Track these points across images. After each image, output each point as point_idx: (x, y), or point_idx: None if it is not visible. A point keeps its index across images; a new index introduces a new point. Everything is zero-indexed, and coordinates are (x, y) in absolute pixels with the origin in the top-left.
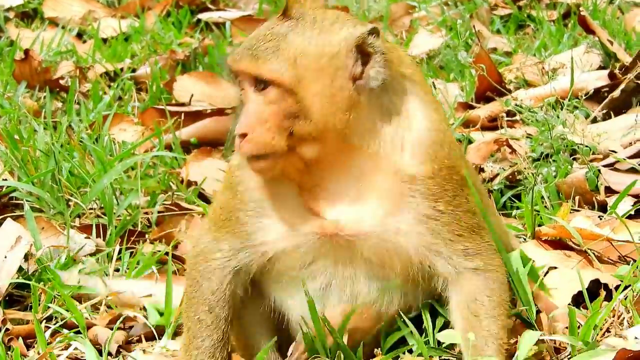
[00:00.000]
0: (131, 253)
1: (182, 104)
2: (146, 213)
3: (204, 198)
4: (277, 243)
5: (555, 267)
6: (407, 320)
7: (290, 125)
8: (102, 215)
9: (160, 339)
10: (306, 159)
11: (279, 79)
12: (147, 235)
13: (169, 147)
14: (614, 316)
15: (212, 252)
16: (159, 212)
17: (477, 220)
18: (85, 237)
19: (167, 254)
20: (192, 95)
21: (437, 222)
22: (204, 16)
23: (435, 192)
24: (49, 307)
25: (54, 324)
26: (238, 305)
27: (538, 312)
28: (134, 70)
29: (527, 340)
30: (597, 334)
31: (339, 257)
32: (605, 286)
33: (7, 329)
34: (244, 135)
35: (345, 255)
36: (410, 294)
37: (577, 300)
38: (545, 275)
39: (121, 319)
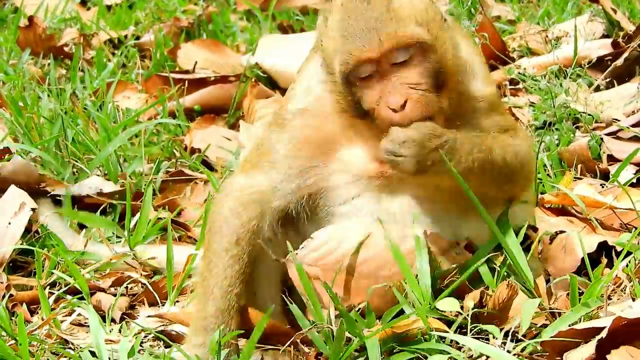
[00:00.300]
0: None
1: (186, 72)
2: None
3: (207, 165)
4: (329, 179)
5: (564, 231)
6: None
7: (436, 82)
8: (107, 182)
9: (163, 304)
10: (445, 112)
11: (422, 38)
12: (151, 202)
13: (172, 115)
14: (615, 284)
15: (245, 187)
16: (162, 179)
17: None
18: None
19: (171, 221)
20: (195, 63)
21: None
22: None
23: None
24: (52, 273)
25: (58, 290)
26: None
27: (548, 279)
28: (137, 38)
29: (528, 309)
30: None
31: (385, 192)
32: (608, 253)
33: (11, 295)
34: (403, 106)
35: (394, 191)
36: (448, 221)
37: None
38: (551, 242)
39: (125, 284)
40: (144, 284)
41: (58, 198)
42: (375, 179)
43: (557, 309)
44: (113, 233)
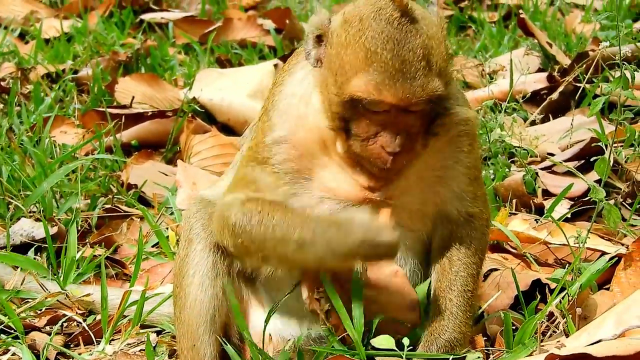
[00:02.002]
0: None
1: (124, 106)
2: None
3: (144, 201)
4: (310, 208)
5: (497, 269)
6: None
7: (432, 121)
8: (43, 219)
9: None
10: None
11: (441, 92)
12: (87, 239)
13: (110, 150)
14: (549, 320)
15: (234, 199)
16: (99, 215)
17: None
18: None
19: (107, 257)
20: (133, 98)
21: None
22: (146, 17)
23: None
24: None
25: None
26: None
27: (481, 315)
28: (76, 72)
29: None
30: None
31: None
32: (543, 289)
33: None
34: (398, 153)
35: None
36: (421, 255)
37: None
38: (485, 279)
39: (60, 322)
40: (80, 323)
41: None
42: (360, 203)
43: (492, 347)
44: (49, 271)
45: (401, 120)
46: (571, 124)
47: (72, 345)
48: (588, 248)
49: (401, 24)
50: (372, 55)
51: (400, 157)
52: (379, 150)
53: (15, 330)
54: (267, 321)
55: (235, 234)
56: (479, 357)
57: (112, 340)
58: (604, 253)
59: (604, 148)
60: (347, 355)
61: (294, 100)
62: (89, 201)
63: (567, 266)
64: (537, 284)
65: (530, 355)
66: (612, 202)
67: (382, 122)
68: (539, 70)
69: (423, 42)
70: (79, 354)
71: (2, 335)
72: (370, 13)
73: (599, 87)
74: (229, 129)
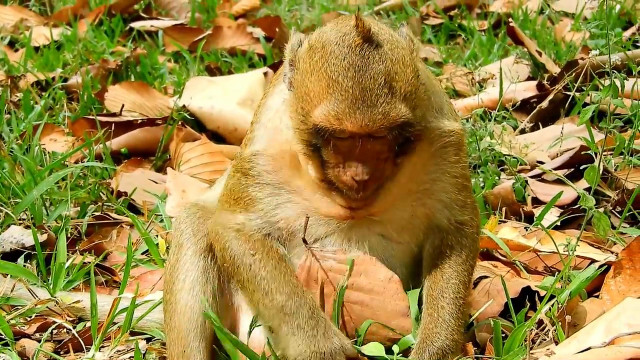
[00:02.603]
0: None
1: (113, 114)
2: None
3: (134, 209)
4: (294, 220)
5: (486, 277)
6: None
7: (402, 147)
8: (33, 226)
9: (88, 350)
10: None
11: (407, 118)
12: (77, 246)
13: (99, 158)
14: (539, 328)
15: (228, 221)
16: (88, 223)
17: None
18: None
19: (96, 265)
20: (122, 106)
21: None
22: (136, 25)
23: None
24: None
25: None
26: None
27: (471, 322)
28: (65, 80)
29: None
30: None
31: (354, 233)
32: (532, 297)
33: None
34: (367, 180)
35: (361, 232)
36: (409, 267)
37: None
38: (475, 286)
39: (50, 329)
40: (69, 330)
41: None
42: (343, 220)
43: (482, 355)
44: (39, 278)
45: (368, 148)
46: (561, 132)
47: (61, 352)
48: (578, 256)
49: (363, 50)
50: (333, 84)
51: (372, 182)
52: (348, 178)
53: (5, 337)
54: (251, 327)
55: (223, 257)
56: None
57: (102, 347)
58: (593, 261)
59: (594, 156)
60: None
61: (271, 114)
62: (78, 209)
63: (556, 274)
64: (527, 292)
65: None
66: (601, 210)
67: (349, 149)
68: (529, 78)
69: (386, 68)
70: None
71: None
72: (334, 39)
73: (588, 95)
74: (219, 137)
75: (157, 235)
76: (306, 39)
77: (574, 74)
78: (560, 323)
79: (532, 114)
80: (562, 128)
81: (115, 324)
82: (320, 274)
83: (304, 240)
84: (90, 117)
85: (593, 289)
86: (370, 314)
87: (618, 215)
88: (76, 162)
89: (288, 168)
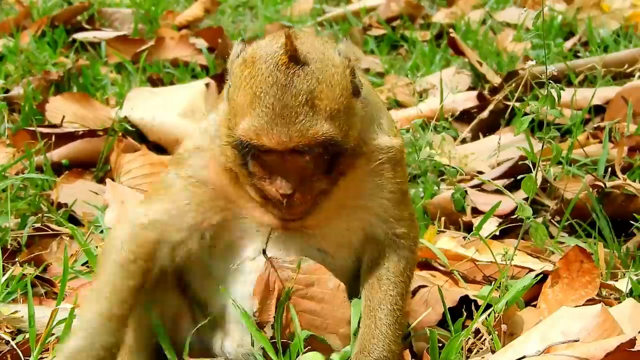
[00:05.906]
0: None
1: (54, 126)
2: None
3: (74, 220)
4: (232, 224)
5: (425, 286)
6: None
7: (332, 165)
8: None
9: None
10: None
11: (331, 136)
12: (17, 258)
13: (40, 169)
14: (475, 337)
15: (141, 214)
16: (29, 234)
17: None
18: None
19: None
20: (63, 117)
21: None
22: (79, 36)
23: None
24: None
25: None
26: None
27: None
28: (7, 91)
29: None
30: (459, 355)
31: (292, 245)
32: (470, 306)
33: None
34: (291, 194)
35: (299, 245)
36: (348, 279)
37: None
38: (413, 296)
39: None
40: (8, 342)
41: None
42: (280, 229)
43: None
44: None
45: (292, 163)
46: (498, 143)
47: None
48: (515, 265)
49: (289, 68)
50: (257, 100)
51: (300, 195)
52: (273, 192)
53: None
54: (192, 333)
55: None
56: None
57: (41, 358)
58: (531, 270)
59: (531, 166)
60: None
61: (216, 115)
62: (19, 220)
63: (493, 283)
64: (465, 301)
65: None
66: (540, 219)
67: (274, 163)
68: (470, 89)
69: (309, 86)
70: None
71: None
72: (264, 55)
73: (528, 105)
74: (161, 148)
75: (97, 247)
76: (243, 51)
77: (514, 84)
78: (496, 332)
79: (472, 124)
80: (500, 138)
81: (53, 334)
82: (277, 284)
83: (264, 252)
84: (31, 128)
85: (531, 298)
86: (320, 322)
87: (557, 224)
88: (17, 174)
89: (226, 172)
